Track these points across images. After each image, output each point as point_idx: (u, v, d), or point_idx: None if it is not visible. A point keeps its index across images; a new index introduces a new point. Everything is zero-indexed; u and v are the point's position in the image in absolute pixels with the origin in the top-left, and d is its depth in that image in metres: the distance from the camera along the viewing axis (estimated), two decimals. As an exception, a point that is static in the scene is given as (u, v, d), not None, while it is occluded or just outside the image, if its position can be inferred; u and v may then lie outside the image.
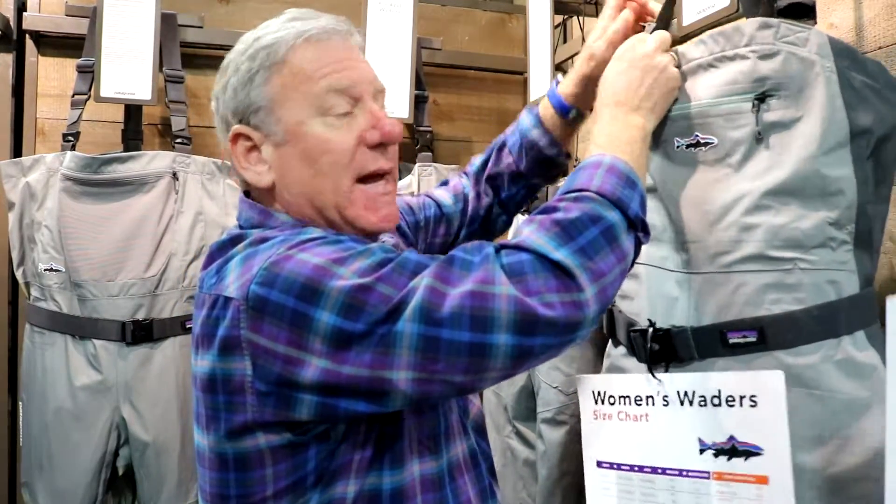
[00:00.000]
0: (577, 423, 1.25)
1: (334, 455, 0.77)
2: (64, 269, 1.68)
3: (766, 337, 0.87)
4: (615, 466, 0.96)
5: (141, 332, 1.69)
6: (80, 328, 1.68)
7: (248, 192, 0.90)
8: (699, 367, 0.91)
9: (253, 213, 0.86)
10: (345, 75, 0.83)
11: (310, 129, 0.82)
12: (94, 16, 1.79)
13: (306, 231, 0.79)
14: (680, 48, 0.99)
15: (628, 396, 0.96)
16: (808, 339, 0.86)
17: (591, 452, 1.00)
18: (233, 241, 0.82)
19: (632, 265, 0.80)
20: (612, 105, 0.91)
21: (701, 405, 0.87)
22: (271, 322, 0.71)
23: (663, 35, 0.98)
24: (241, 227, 0.87)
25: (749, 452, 0.84)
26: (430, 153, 2.04)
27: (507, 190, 1.15)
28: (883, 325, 0.61)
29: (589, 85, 1.05)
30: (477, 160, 1.18)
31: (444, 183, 1.21)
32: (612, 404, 0.97)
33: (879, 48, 1.14)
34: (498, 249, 0.73)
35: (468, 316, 0.68)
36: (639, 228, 0.79)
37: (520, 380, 1.64)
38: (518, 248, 0.73)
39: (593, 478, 0.99)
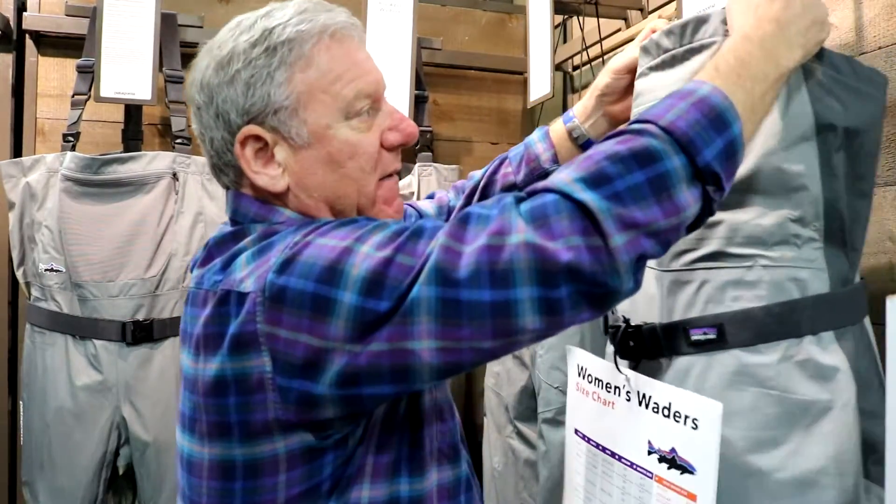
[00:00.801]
0: (578, 423, 1.25)
1: (351, 459, 0.73)
2: (64, 270, 1.68)
3: (725, 334, 0.85)
4: (586, 439, 1.00)
5: (141, 333, 1.69)
6: (81, 328, 1.69)
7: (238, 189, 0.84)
8: (666, 364, 0.91)
9: (252, 208, 0.80)
10: (371, 78, 0.80)
11: (337, 133, 0.77)
12: (94, 16, 1.79)
13: (319, 220, 0.76)
14: (654, 36, 0.96)
15: (601, 380, 0.97)
16: (766, 338, 0.84)
17: (571, 420, 1.04)
18: (234, 236, 0.78)
19: (698, 223, 0.69)
20: (750, 22, 0.76)
21: (654, 411, 0.88)
22: (291, 311, 0.66)
23: None
24: (236, 222, 0.82)
25: (684, 468, 0.84)
26: (429, 153, 2.05)
27: None
28: (883, 324, 0.60)
29: (601, 112, 1.07)
30: (476, 174, 1.15)
31: (430, 196, 1.19)
32: (590, 383, 1.00)
33: (879, 48, 1.14)
34: (521, 199, 0.66)
35: (486, 272, 0.62)
36: (708, 181, 0.67)
37: (521, 380, 1.64)
38: (545, 189, 0.65)
39: (570, 442, 1.04)
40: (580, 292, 0.63)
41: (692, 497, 0.84)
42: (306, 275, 0.66)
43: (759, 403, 0.83)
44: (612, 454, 0.95)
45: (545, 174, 1.07)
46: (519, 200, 0.66)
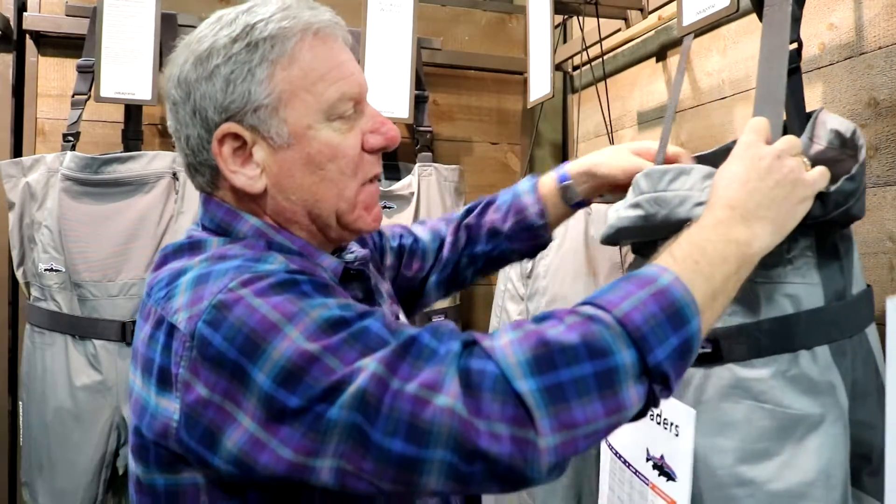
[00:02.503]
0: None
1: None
2: (64, 270, 1.68)
3: (720, 349, 0.86)
4: (611, 448, 1.04)
5: (141, 333, 1.69)
6: (81, 328, 1.69)
7: (211, 192, 0.81)
8: None
9: (218, 213, 0.78)
10: (354, 80, 0.77)
11: (318, 134, 0.75)
12: (94, 16, 1.80)
13: (266, 259, 0.70)
14: (637, 175, 0.93)
15: None
16: (759, 353, 0.84)
17: None
18: (191, 247, 0.75)
19: (638, 417, 0.65)
20: (720, 206, 0.73)
21: (651, 419, 0.90)
22: (212, 369, 0.63)
23: (793, 139, 0.79)
24: (203, 227, 0.80)
25: (669, 475, 0.87)
26: (429, 153, 2.04)
27: (482, 244, 1.09)
28: (883, 324, 0.60)
29: (592, 178, 1.04)
30: (463, 209, 1.13)
31: (422, 223, 1.16)
32: None
33: (879, 48, 1.14)
34: (469, 344, 0.63)
35: (405, 423, 0.59)
36: (655, 380, 0.63)
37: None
38: (489, 354, 0.61)
39: (603, 451, 1.07)
40: (494, 474, 0.59)
41: (673, 503, 0.86)
42: (231, 339, 0.63)
43: (752, 416, 0.84)
44: (625, 462, 0.98)
45: (531, 229, 1.06)
46: (466, 346, 0.63)
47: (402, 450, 0.59)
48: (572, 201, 1.07)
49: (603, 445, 1.06)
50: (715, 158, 0.91)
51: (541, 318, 0.65)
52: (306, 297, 0.65)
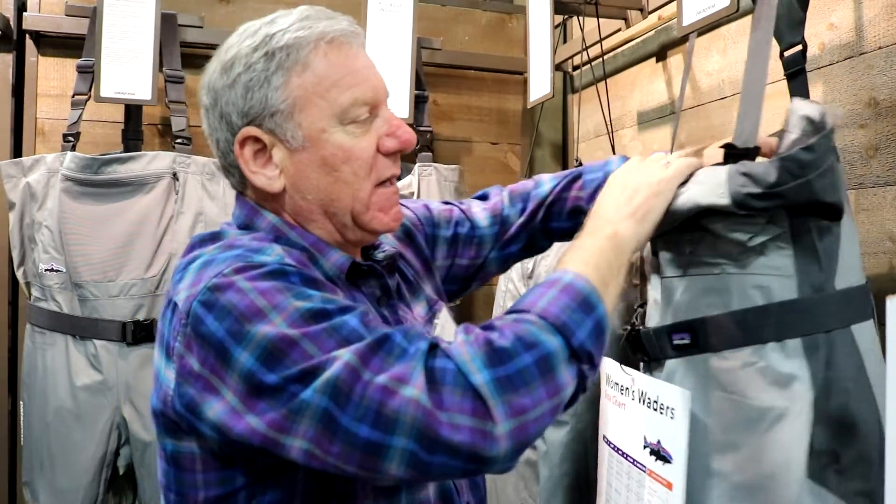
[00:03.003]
0: (578, 424, 1.25)
1: (265, 487, 0.75)
2: (64, 270, 1.68)
3: (697, 339, 0.88)
4: (608, 443, 1.04)
5: (141, 333, 1.69)
6: (81, 328, 1.69)
7: (242, 191, 0.88)
8: (662, 366, 0.94)
9: (244, 211, 0.85)
10: (369, 86, 0.82)
11: (331, 137, 0.80)
12: (94, 16, 1.79)
13: (264, 251, 0.77)
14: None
15: (619, 384, 1.01)
16: (731, 344, 0.85)
17: (602, 428, 1.09)
18: (212, 237, 0.82)
19: (571, 401, 0.73)
20: (591, 217, 0.88)
21: (648, 406, 0.92)
22: (202, 346, 0.70)
23: (658, 156, 0.95)
24: (234, 222, 0.87)
25: (665, 459, 0.88)
26: (429, 153, 2.05)
27: (562, 220, 1.09)
28: (883, 324, 0.60)
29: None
30: (546, 184, 1.12)
31: (483, 197, 1.15)
32: (612, 388, 1.04)
33: (879, 48, 1.14)
34: (434, 346, 0.69)
35: (373, 411, 0.64)
36: (583, 360, 0.71)
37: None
38: (448, 354, 0.68)
39: (600, 448, 1.08)
40: (453, 464, 0.65)
41: (669, 486, 0.87)
42: (220, 319, 0.69)
43: (722, 407, 0.86)
44: (623, 454, 0.99)
45: None
46: (432, 348, 0.68)
47: (367, 435, 0.64)
48: None
49: (602, 443, 1.07)
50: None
51: (483, 327, 0.72)
52: (293, 287, 0.71)
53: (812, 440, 0.82)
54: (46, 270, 1.69)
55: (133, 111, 1.88)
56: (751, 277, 0.85)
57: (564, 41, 2.24)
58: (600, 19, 1.75)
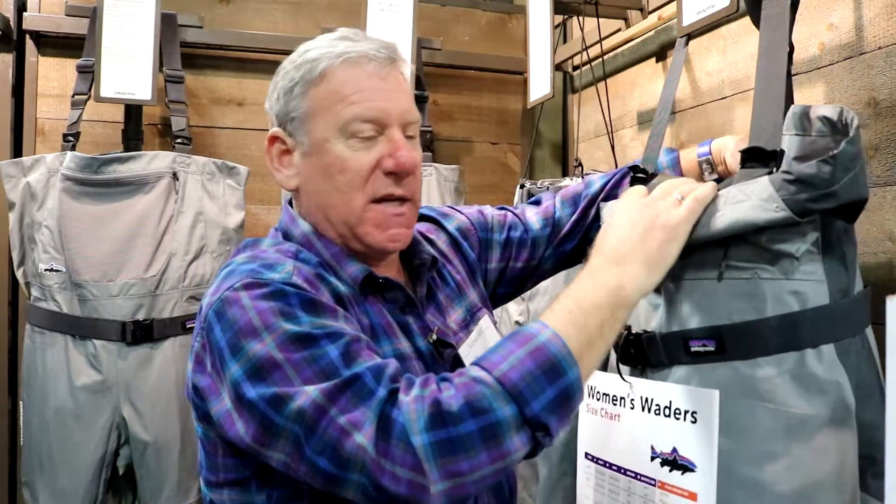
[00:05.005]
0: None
1: (273, 478, 0.80)
2: (64, 270, 1.68)
3: (724, 346, 0.85)
4: (595, 460, 1.00)
5: (141, 333, 1.69)
6: (81, 328, 1.68)
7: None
8: (667, 373, 0.91)
9: (285, 218, 0.93)
10: (375, 105, 0.86)
11: (332, 147, 0.86)
12: (94, 16, 1.80)
13: (277, 267, 0.82)
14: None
15: (608, 395, 0.98)
16: (765, 351, 0.83)
17: (581, 444, 1.04)
18: (253, 244, 0.91)
19: (523, 459, 0.74)
20: (595, 255, 0.83)
21: (656, 413, 0.89)
22: (210, 349, 0.79)
23: (668, 185, 0.88)
24: (278, 229, 0.94)
25: (685, 467, 0.85)
26: (430, 153, 2.05)
27: None
28: (883, 325, 0.60)
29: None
30: (596, 183, 1.12)
31: (536, 202, 1.16)
32: (598, 400, 1.00)
33: (879, 48, 1.14)
34: (392, 394, 0.72)
35: (331, 448, 0.70)
36: (536, 429, 0.71)
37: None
38: (399, 407, 0.71)
39: (580, 467, 1.04)
40: None
41: (693, 497, 0.84)
42: (224, 331, 0.77)
43: (757, 416, 0.83)
44: (618, 469, 0.95)
45: None
46: (391, 394, 0.71)
47: (326, 467, 0.71)
48: (710, 179, 1.06)
49: (583, 461, 1.02)
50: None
51: (441, 379, 0.74)
52: (288, 309, 0.77)
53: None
54: (46, 270, 1.69)
55: (133, 111, 1.88)
56: (787, 283, 0.83)
57: (564, 41, 2.24)
58: (600, 19, 1.75)
